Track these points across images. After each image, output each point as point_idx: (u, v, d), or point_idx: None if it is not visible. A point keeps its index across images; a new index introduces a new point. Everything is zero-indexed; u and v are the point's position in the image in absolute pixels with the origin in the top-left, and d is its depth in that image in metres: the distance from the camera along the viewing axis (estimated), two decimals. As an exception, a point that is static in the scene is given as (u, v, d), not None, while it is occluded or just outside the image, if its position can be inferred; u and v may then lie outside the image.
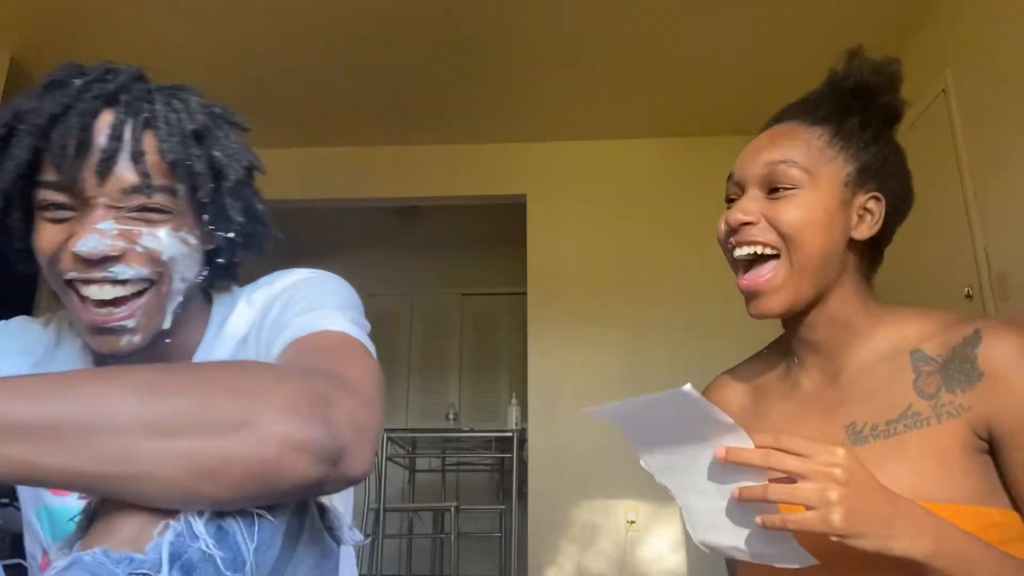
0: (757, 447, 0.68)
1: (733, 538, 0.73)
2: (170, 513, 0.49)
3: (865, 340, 0.85)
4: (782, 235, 0.82)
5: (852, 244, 0.85)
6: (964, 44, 2.57)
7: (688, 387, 0.64)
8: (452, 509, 3.61)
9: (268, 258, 0.87)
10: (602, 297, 3.67)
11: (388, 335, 5.39)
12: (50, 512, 0.80)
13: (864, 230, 0.85)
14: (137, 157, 0.71)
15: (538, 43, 3.08)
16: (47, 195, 0.70)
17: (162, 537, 0.48)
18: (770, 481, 0.68)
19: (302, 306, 0.75)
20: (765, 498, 0.67)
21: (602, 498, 3.43)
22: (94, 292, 0.71)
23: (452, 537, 3.57)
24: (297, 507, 0.57)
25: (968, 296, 2.50)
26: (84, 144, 0.69)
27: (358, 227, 4.99)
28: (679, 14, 2.85)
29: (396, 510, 4.22)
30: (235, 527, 0.51)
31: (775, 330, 0.92)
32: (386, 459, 3.63)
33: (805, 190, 0.83)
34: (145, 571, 0.47)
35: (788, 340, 0.91)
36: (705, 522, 0.75)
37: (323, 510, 0.61)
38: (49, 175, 0.70)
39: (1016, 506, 0.76)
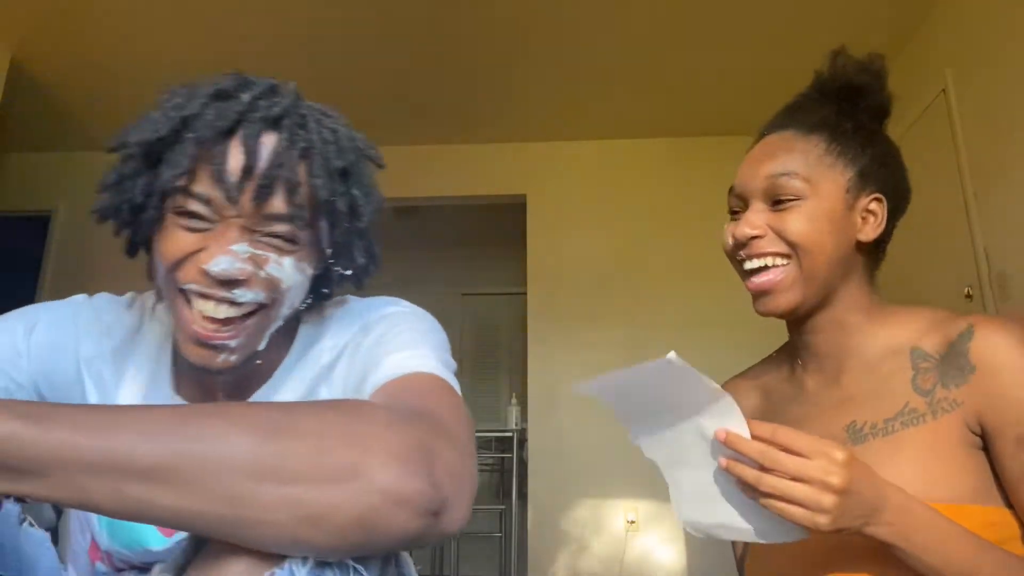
0: (755, 437, 0.68)
1: (719, 514, 0.72)
2: (274, 561, 0.49)
3: (867, 340, 0.86)
4: (790, 244, 0.84)
5: (858, 246, 0.87)
6: (964, 44, 2.57)
7: (672, 354, 0.64)
8: (452, 509, 3.60)
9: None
10: (602, 297, 3.66)
11: (388, 335, 5.37)
12: None
13: (869, 231, 0.86)
14: (293, 188, 0.70)
15: (538, 43, 3.07)
16: (189, 204, 0.69)
17: None
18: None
19: (396, 344, 0.74)
20: (757, 486, 0.67)
21: (602, 498, 3.42)
22: (209, 309, 0.70)
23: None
24: (384, 558, 0.57)
25: (968, 296, 2.50)
26: (249, 167, 0.68)
27: (358, 227, 4.98)
28: (680, 14, 2.85)
29: (396, 510, 4.21)
30: None
31: (776, 330, 0.92)
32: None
33: (808, 200, 0.84)
34: None
35: (793, 343, 0.93)
36: (692, 493, 0.74)
37: (398, 557, 0.61)
38: (201, 187, 0.69)
39: (1009, 502, 0.76)
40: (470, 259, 5.44)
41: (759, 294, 0.87)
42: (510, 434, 3.77)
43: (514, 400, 3.97)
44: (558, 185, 3.85)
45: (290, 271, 0.73)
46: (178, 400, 0.80)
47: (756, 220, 0.86)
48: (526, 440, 3.63)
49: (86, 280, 3.19)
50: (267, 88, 0.74)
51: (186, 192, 0.69)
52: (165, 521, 0.48)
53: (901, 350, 0.84)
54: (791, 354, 0.94)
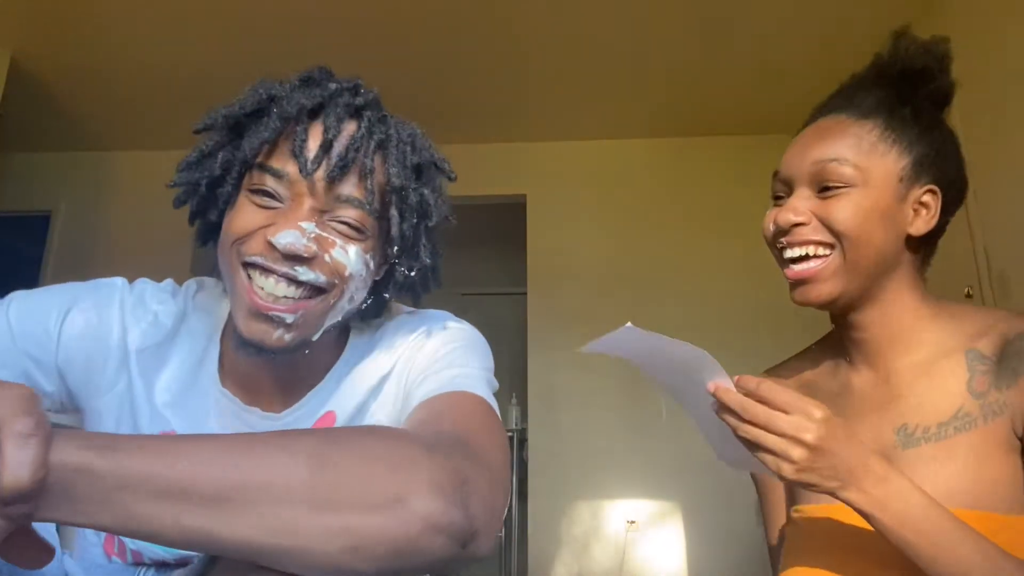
0: (739, 387, 0.70)
1: (735, 450, 0.75)
2: None
3: (919, 339, 0.82)
4: (836, 234, 0.80)
5: (908, 240, 0.83)
6: (964, 44, 2.56)
7: (629, 324, 0.71)
8: (452, 509, 3.60)
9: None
10: (602, 297, 3.66)
11: (388, 335, 5.38)
12: None
13: (921, 225, 0.82)
14: (367, 174, 0.73)
15: (538, 43, 3.07)
16: (265, 180, 0.71)
17: None
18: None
19: (446, 360, 0.77)
20: (735, 431, 0.69)
21: (602, 498, 3.42)
22: (269, 285, 0.70)
23: (452, 537, 3.57)
24: None
25: (968, 296, 2.50)
26: (327, 144, 0.71)
27: (358, 227, 4.98)
28: (679, 14, 2.85)
29: (396, 510, 4.21)
30: None
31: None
32: (386, 459, 3.63)
33: (858, 188, 0.79)
34: None
35: (839, 338, 0.89)
36: (715, 435, 0.78)
37: None
38: (277, 163, 0.71)
39: None
40: (470, 259, 5.43)
41: (798, 283, 0.83)
42: (510, 434, 3.77)
43: (514, 400, 3.97)
44: (558, 185, 3.85)
45: (355, 259, 0.73)
46: (224, 392, 0.80)
47: (800, 206, 0.81)
48: (526, 440, 3.63)
49: (86, 280, 3.20)
50: (352, 84, 0.77)
51: (262, 168, 0.71)
52: (223, 549, 0.48)
53: (956, 351, 0.80)
54: (835, 349, 0.90)
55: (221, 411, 0.79)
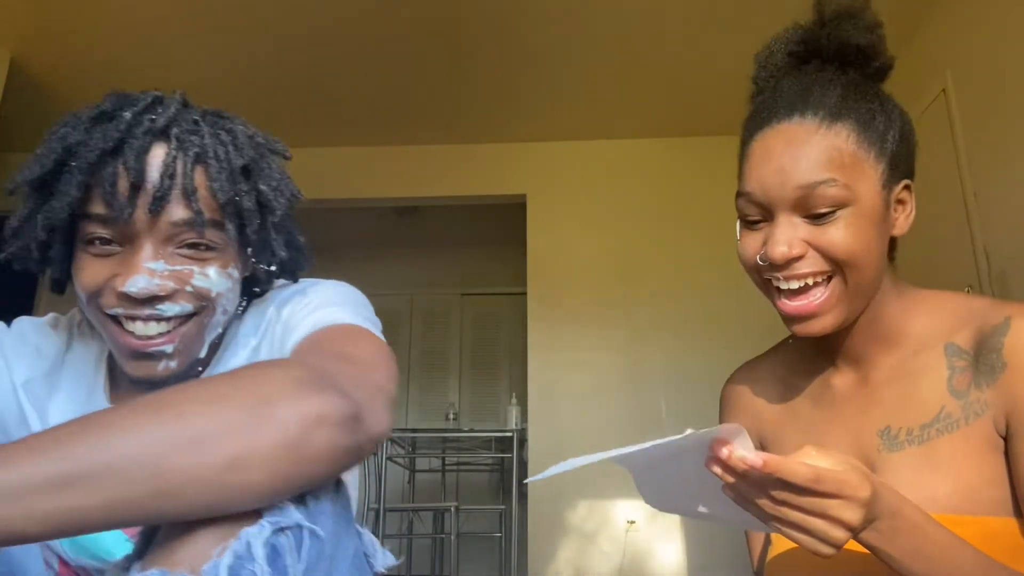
0: (786, 476, 0.56)
1: (696, 505, 0.67)
2: (230, 532, 0.49)
3: (901, 334, 0.79)
4: (836, 261, 0.73)
5: (890, 241, 0.78)
6: (964, 44, 2.57)
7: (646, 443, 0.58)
8: (452, 509, 3.61)
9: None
10: (602, 297, 3.67)
11: (388, 335, 5.27)
12: None
13: (903, 224, 0.78)
14: (190, 195, 0.70)
15: (538, 43, 3.07)
16: (94, 229, 0.69)
17: (220, 558, 0.48)
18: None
19: (311, 308, 0.76)
20: (771, 515, 0.59)
21: (602, 498, 3.42)
22: (139, 328, 0.70)
23: (452, 537, 3.57)
24: (342, 528, 0.57)
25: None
26: (137, 182, 0.68)
27: (358, 227, 4.99)
28: (679, 14, 2.85)
29: (396, 510, 4.21)
30: (285, 547, 0.51)
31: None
32: (386, 459, 3.63)
33: (849, 207, 0.73)
34: None
35: (820, 340, 0.82)
36: (664, 492, 0.68)
37: (359, 534, 0.61)
38: (98, 209, 0.68)
39: (1016, 502, 0.71)
40: (470, 259, 5.44)
41: (798, 318, 0.76)
42: (510, 434, 3.77)
43: (514, 400, 3.97)
44: (558, 185, 3.85)
45: (216, 279, 0.73)
46: None
47: (793, 239, 0.73)
48: (526, 440, 3.63)
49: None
50: (150, 102, 0.72)
51: (88, 217, 0.69)
52: (96, 523, 0.46)
53: (934, 345, 0.77)
54: (814, 347, 0.86)
55: None
